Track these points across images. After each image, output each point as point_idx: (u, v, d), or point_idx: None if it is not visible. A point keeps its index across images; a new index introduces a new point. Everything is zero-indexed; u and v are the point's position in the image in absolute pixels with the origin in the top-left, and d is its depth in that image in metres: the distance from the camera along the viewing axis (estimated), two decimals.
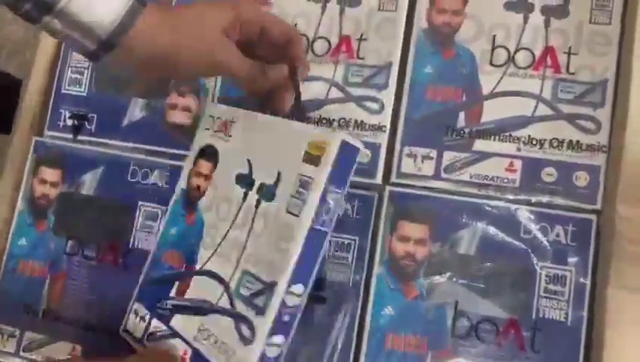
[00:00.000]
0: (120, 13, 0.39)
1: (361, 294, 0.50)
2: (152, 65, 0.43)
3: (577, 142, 0.48)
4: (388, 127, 0.51)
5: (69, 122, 0.59)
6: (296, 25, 0.55)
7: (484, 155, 0.49)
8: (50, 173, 0.59)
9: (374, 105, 0.52)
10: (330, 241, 0.51)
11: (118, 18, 0.39)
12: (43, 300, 0.56)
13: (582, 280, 0.46)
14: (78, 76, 0.60)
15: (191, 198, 0.50)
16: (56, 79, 0.61)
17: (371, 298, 0.49)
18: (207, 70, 0.47)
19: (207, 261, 0.46)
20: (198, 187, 0.49)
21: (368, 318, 0.49)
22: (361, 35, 0.53)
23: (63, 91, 0.60)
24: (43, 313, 0.56)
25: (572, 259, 0.47)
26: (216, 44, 0.43)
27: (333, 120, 0.53)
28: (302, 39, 0.50)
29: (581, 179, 0.48)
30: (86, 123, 0.59)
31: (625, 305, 0.44)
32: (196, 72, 0.47)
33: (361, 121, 0.52)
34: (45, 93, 0.61)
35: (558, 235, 0.47)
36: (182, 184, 0.51)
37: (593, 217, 0.47)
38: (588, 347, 0.45)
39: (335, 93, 0.53)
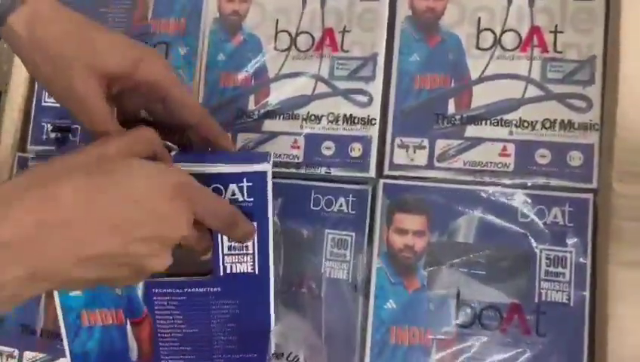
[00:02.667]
0: None
1: (362, 290, 0.49)
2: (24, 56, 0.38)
3: (569, 121, 0.48)
4: (378, 119, 0.51)
5: (52, 135, 0.58)
6: (277, 22, 0.54)
7: (476, 141, 0.49)
8: None
9: (363, 98, 0.51)
10: (326, 239, 0.51)
11: None
12: (40, 318, 0.56)
13: (582, 260, 0.46)
14: None
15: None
16: (35, 92, 0.59)
17: (372, 293, 0.49)
18: (61, 95, 0.40)
19: None
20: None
21: (371, 314, 0.49)
22: (344, 27, 0.52)
23: (43, 104, 0.59)
24: (41, 332, 0.55)
25: (571, 240, 0.46)
26: (79, 75, 0.37)
27: (322, 115, 0.52)
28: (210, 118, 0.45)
29: (575, 158, 0.47)
30: (70, 135, 0.58)
31: (626, 282, 0.44)
32: (51, 91, 0.41)
33: (350, 115, 0.51)
34: (26, 106, 0.59)
35: (555, 217, 0.47)
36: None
37: (590, 196, 0.47)
38: (592, 326, 0.45)
39: (322, 88, 0.52)
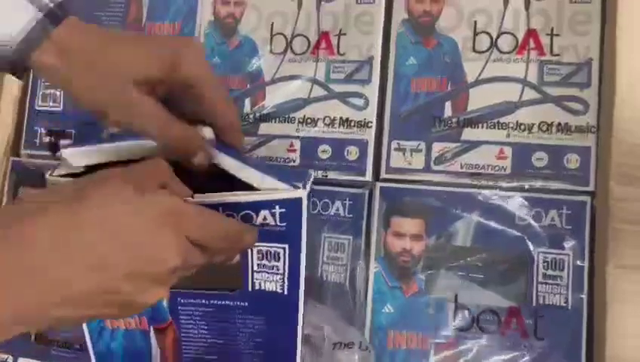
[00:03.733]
0: (26, 30, 0.36)
1: (359, 294, 0.49)
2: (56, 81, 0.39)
3: (566, 124, 0.47)
4: (374, 122, 0.51)
5: (46, 139, 0.58)
6: (273, 25, 0.54)
7: (473, 144, 0.49)
8: None
9: (359, 101, 0.51)
10: (323, 243, 0.50)
11: (22, 35, 0.36)
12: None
13: (579, 263, 0.46)
14: (52, 91, 0.58)
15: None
16: (28, 96, 0.59)
17: (370, 297, 0.49)
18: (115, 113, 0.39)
19: None
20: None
21: (368, 318, 0.48)
22: (340, 30, 0.52)
23: (37, 108, 0.58)
24: (36, 337, 0.55)
25: (568, 243, 0.46)
26: (124, 87, 0.37)
27: (318, 119, 0.52)
28: (236, 110, 0.44)
29: (572, 161, 0.47)
30: (61, 139, 0.57)
31: (624, 285, 0.44)
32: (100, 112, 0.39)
33: (347, 118, 0.51)
34: (19, 111, 0.59)
35: (553, 220, 0.47)
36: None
37: (587, 199, 0.47)
38: (590, 329, 0.45)
39: (318, 91, 0.52)
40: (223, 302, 0.44)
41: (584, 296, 0.45)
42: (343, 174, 0.51)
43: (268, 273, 0.42)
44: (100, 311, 0.32)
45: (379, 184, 0.50)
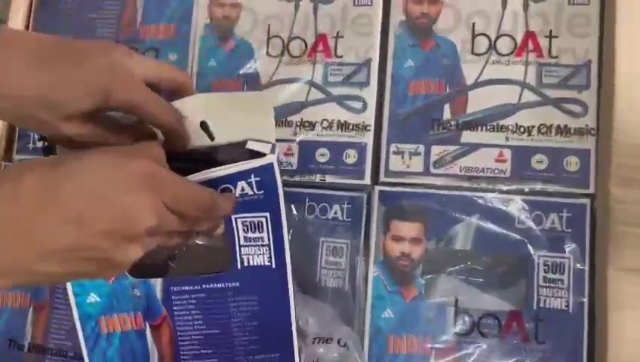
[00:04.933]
0: None
1: (359, 299, 0.49)
2: None
3: (565, 126, 0.47)
4: (372, 125, 0.50)
5: (39, 144, 0.57)
6: (269, 27, 0.53)
7: (472, 147, 0.48)
8: None
9: (357, 104, 0.50)
10: (322, 247, 0.50)
11: None
12: (27, 332, 0.54)
13: (580, 266, 0.46)
14: None
15: None
16: None
17: (369, 302, 0.48)
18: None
19: None
20: None
21: (368, 323, 0.48)
22: (338, 33, 0.52)
23: None
24: (29, 346, 0.54)
25: (569, 246, 0.46)
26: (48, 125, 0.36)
27: (316, 122, 0.51)
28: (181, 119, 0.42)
29: (572, 163, 0.47)
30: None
31: (625, 287, 0.44)
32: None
33: (345, 121, 0.50)
34: None
35: (553, 223, 0.46)
36: None
37: (587, 201, 0.46)
38: (591, 332, 0.45)
39: (315, 94, 0.51)
40: (215, 285, 0.45)
41: (585, 300, 0.45)
42: (342, 178, 0.50)
43: (254, 245, 0.44)
44: (81, 267, 0.32)
45: (377, 187, 0.50)
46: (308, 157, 0.51)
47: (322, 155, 0.51)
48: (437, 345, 0.46)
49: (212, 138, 0.43)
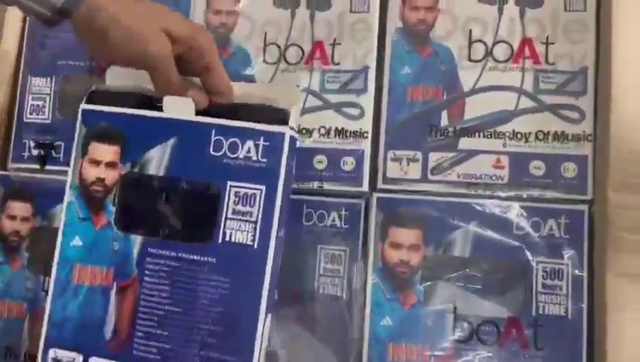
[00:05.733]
0: None
1: (357, 306, 0.48)
2: (92, 38, 0.42)
3: (562, 132, 0.47)
4: (370, 132, 0.50)
5: (35, 152, 0.56)
6: (266, 34, 0.53)
7: (470, 153, 0.48)
8: (20, 208, 0.56)
9: (354, 111, 0.50)
10: (320, 254, 0.50)
11: None
12: (24, 342, 0.54)
13: (578, 272, 0.46)
14: (40, 103, 0.57)
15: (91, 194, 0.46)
16: (16, 107, 0.57)
17: (368, 309, 0.48)
18: (136, 59, 0.43)
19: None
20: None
21: (366, 331, 0.48)
22: (334, 40, 0.52)
23: (25, 120, 0.57)
24: (25, 356, 0.53)
25: (567, 252, 0.46)
26: (153, 38, 0.41)
27: (313, 129, 0.51)
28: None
29: (569, 170, 0.47)
30: (53, 151, 0.56)
31: (623, 293, 0.44)
32: (125, 58, 0.43)
33: (342, 128, 0.50)
34: (6, 123, 0.57)
35: (551, 229, 0.47)
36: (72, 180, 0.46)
37: (584, 208, 0.46)
38: (590, 338, 0.45)
39: (312, 101, 0.51)
40: (191, 257, 0.43)
41: (584, 305, 0.45)
42: (340, 185, 0.50)
43: (241, 220, 0.42)
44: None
45: (376, 194, 0.49)
46: (306, 164, 0.50)
47: (320, 162, 0.50)
48: (436, 353, 0.46)
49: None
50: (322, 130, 0.51)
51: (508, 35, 0.49)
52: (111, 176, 0.46)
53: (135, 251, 0.44)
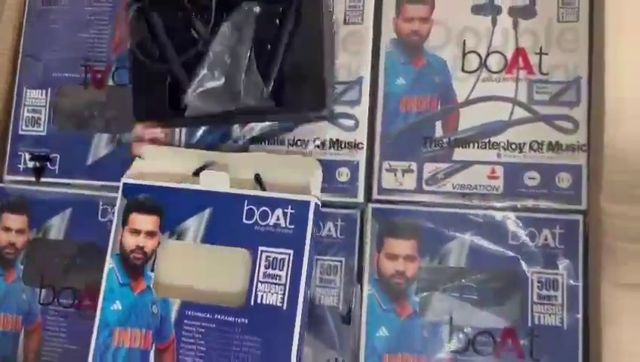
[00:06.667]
0: None
1: (353, 317, 0.48)
2: None
3: (557, 142, 0.47)
4: (365, 143, 0.50)
5: (30, 164, 0.56)
6: None
7: (465, 164, 0.49)
8: (14, 220, 0.55)
9: (349, 122, 0.50)
10: (315, 265, 0.50)
11: None
12: (20, 356, 0.53)
13: (573, 282, 0.46)
14: (36, 115, 0.57)
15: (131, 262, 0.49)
16: (12, 120, 0.57)
17: (364, 320, 0.48)
18: None
19: None
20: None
21: (362, 342, 0.48)
22: None
23: (20, 132, 0.57)
24: None
25: (562, 262, 0.46)
26: None
27: (308, 140, 0.51)
28: None
29: (564, 180, 0.47)
30: (48, 164, 0.56)
31: (618, 302, 0.44)
32: None
33: (337, 140, 0.50)
34: (2, 136, 0.58)
35: (546, 239, 0.47)
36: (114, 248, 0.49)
37: (579, 217, 0.47)
38: (586, 349, 0.45)
39: None
40: (226, 318, 0.46)
41: (579, 316, 0.45)
42: (335, 196, 0.50)
43: (270, 283, 0.46)
44: None
45: (371, 205, 0.50)
46: None
47: None
48: None
49: (264, 189, 0.49)
50: (317, 142, 0.51)
51: (502, 45, 0.49)
52: (150, 244, 0.49)
53: (173, 313, 0.47)
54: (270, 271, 0.46)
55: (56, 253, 0.54)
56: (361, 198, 0.50)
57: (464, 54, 0.50)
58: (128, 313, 0.48)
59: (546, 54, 0.48)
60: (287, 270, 0.46)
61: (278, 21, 0.48)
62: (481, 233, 0.47)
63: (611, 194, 0.45)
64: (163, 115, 0.51)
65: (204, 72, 0.47)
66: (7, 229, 0.55)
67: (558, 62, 0.48)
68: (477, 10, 0.50)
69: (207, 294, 0.47)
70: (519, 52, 0.49)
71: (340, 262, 0.49)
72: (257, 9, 0.48)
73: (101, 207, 0.54)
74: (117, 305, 0.48)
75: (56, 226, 0.55)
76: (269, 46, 0.48)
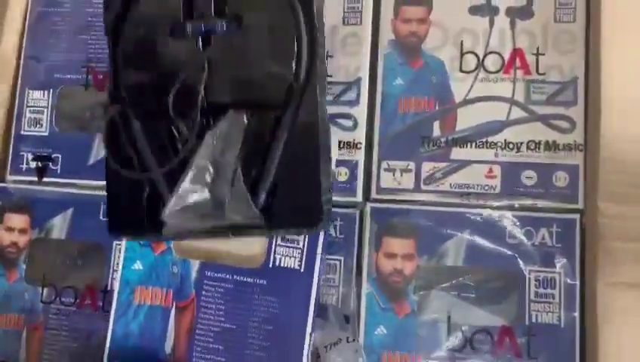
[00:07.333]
0: None
1: (352, 316, 0.49)
2: None
3: (554, 142, 0.48)
4: (363, 143, 0.50)
5: (33, 164, 0.57)
6: None
7: (462, 163, 0.49)
8: (17, 220, 0.56)
9: (347, 123, 0.51)
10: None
11: None
12: (21, 354, 0.54)
13: (570, 281, 0.46)
14: (38, 116, 0.58)
15: None
16: (14, 121, 0.58)
17: (362, 319, 0.48)
18: None
19: None
20: None
21: (361, 340, 0.48)
22: (327, 52, 0.52)
23: (22, 133, 0.58)
24: None
25: (559, 261, 0.47)
26: None
27: None
28: None
29: (561, 179, 0.47)
30: (50, 164, 0.57)
31: (615, 302, 0.44)
32: None
33: (336, 140, 0.51)
34: (4, 136, 0.58)
35: (543, 238, 0.47)
36: None
37: (576, 217, 0.47)
38: (583, 347, 0.45)
39: None
40: (244, 279, 0.47)
41: (576, 314, 0.46)
42: (334, 195, 0.50)
43: (289, 247, 0.47)
44: None
45: (369, 204, 0.50)
46: None
47: None
48: None
49: None
50: None
51: (499, 46, 0.50)
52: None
53: (193, 273, 0.48)
54: (288, 235, 0.47)
55: (58, 253, 0.55)
56: (359, 198, 0.50)
57: (462, 55, 0.50)
58: (149, 272, 0.49)
59: (543, 55, 0.49)
60: (305, 236, 0.47)
61: (270, 130, 0.45)
62: (478, 232, 0.48)
63: (608, 193, 0.45)
64: (140, 230, 0.48)
65: (186, 185, 0.44)
66: (10, 229, 0.56)
67: (555, 62, 0.49)
68: (474, 10, 0.50)
69: (226, 256, 0.48)
70: (516, 52, 0.49)
71: (339, 261, 0.50)
72: (246, 118, 0.45)
73: (103, 207, 0.54)
74: (138, 265, 0.50)
75: (58, 226, 0.55)
76: (260, 158, 0.45)
